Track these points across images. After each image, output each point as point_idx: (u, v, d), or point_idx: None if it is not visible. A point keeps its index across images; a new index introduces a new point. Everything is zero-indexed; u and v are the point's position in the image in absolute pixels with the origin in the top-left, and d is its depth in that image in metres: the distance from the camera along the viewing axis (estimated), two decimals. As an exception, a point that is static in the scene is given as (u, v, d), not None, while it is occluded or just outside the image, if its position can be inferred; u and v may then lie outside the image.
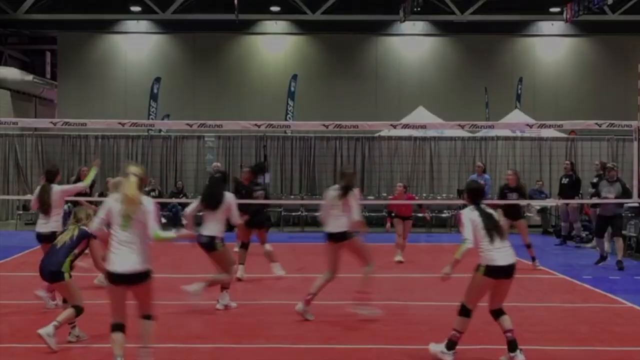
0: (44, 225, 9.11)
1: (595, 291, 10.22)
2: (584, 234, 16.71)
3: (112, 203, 6.29)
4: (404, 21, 26.74)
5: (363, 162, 20.82)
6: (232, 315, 8.97)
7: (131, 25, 28.47)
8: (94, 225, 6.48)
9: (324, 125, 12.96)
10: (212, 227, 9.44)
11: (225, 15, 26.52)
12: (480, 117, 24.36)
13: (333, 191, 9.01)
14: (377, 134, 21.18)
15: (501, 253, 6.71)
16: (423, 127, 15.34)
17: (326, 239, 8.96)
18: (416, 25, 28.39)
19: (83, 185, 9.95)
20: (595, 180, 15.98)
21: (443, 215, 20.04)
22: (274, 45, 28.61)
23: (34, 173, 20.66)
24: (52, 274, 7.57)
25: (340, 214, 8.83)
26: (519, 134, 20.76)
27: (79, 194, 11.78)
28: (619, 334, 7.74)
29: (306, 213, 20.52)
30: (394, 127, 13.95)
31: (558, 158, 20.11)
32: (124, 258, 6.13)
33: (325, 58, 28.48)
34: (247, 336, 7.87)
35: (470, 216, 6.85)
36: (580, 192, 16.97)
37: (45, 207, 9.10)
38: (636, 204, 13.44)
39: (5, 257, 13.58)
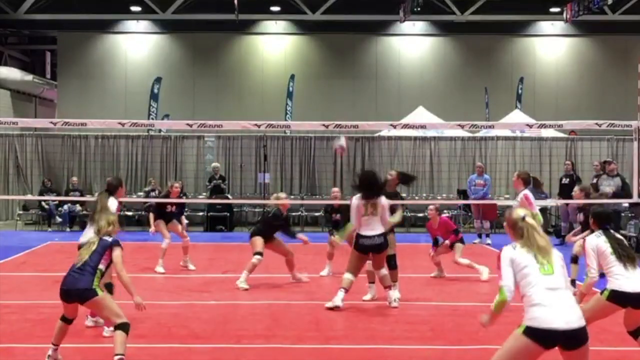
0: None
1: (596, 291, 10.20)
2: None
3: None
4: (404, 21, 26.74)
5: (363, 162, 20.81)
6: (232, 315, 8.97)
7: (131, 25, 28.47)
8: None
9: (324, 125, 12.94)
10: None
11: (225, 15, 26.52)
12: (480, 117, 24.36)
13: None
14: (377, 134, 21.18)
15: (631, 281, 6.23)
16: (423, 127, 15.33)
17: None
18: (416, 25, 28.39)
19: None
20: (594, 180, 16.01)
21: (443, 215, 19.99)
22: (274, 45, 28.61)
23: (34, 173, 20.67)
24: (81, 292, 6.56)
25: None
26: (519, 134, 20.76)
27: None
28: (619, 334, 7.73)
29: (306, 213, 20.52)
30: (394, 127, 13.93)
31: (558, 158, 20.11)
32: None
33: (325, 58, 28.48)
34: (247, 336, 7.87)
35: (596, 243, 6.43)
36: (580, 192, 16.93)
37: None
38: (635, 202, 13.40)
39: (5, 257, 13.58)
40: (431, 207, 11.95)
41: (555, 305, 4.74)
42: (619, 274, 6.25)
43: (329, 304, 9.15)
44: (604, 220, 6.67)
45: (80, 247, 8.22)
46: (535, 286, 4.84)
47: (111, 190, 8.86)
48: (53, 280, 11.30)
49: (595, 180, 15.84)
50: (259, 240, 10.92)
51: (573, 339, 4.76)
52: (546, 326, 4.68)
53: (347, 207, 10.23)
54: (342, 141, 11.79)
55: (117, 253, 6.79)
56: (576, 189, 12.96)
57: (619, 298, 6.23)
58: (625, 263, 6.27)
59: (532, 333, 4.73)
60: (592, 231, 6.87)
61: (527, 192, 9.80)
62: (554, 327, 4.67)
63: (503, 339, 7.96)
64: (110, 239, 6.87)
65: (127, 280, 6.76)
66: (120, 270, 6.76)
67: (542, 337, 4.70)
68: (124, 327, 6.51)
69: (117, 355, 6.36)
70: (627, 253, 6.35)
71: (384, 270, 9.39)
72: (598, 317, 6.40)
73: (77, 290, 6.55)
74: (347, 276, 9.30)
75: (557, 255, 5.09)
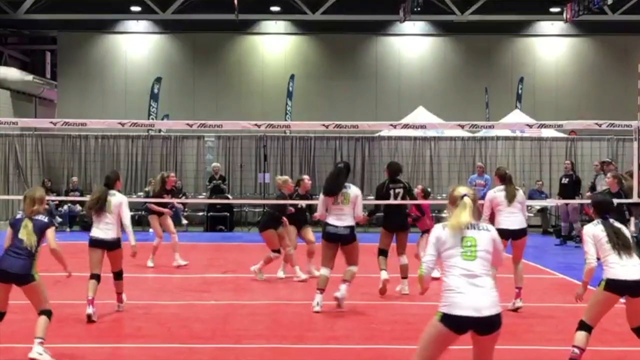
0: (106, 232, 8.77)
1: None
2: (584, 234, 16.69)
3: None
4: (404, 21, 26.73)
5: (363, 162, 20.82)
6: (232, 315, 8.97)
7: (131, 25, 28.46)
8: None
9: (324, 125, 12.96)
10: (349, 218, 9.27)
11: (225, 15, 26.51)
12: (480, 117, 24.34)
13: (499, 192, 9.44)
14: (377, 134, 21.18)
15: (627, 269, 6.31)
16: (423, 127, 15.34)
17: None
18: (416, 25, 28.38)
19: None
20: (594, 181, 16.05)
21: (443, 215, 20.01)
22: (274, 45, 28.60)
23: (34, 173, 20.66)
24: (20, 277, 6.93)
25: (516, 211, 9.30)
26: (519, 134, 20.75)
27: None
28: (619, 334, 7.74)
29: (306, 213, 20.50)
30: (394, 127, 13.95)
31: (558, 158, 20.11)
32: None
33: (325, 58, 28.47)
34: (247, 336, 7.87)
35: (593, 232, 6.51)
36: (580, 192, 16.98)
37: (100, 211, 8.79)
38: (636, 202, 13.40)
39: (5, 257, 13.55)
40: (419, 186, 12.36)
41: (469, 292, 4.86)
42: (614, 263, 6.34)
43: (317, 308, 9.02)
44: (603, 209, 6.71)
45: (94, 242, 8.77)
46: (453, 271, 4.96)
47: (109, 184, 9.01)
48: (53, 280, 11.30)
49: (595, 180, 15.88)
50: (272, 236, 11.31)
51: (484, 325, 4.90)
52: (457, 313, 4.83)
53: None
54: None
55: (52, 229, 7.28)
56: (609, 175, 13.06)
57: (615, 286, 6.31)
58: (620, 251, 6.35)
59: (446, 319, 4.89)
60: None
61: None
62: (465, 314, 4.82)
63: (503, 339, 7.96)
64: (46, 219, 7.26)
65: (60, 253, 7.29)
66: (56, 249, 7.31)
67: (454, 323, 4.86)
68: (49, 313, 6.94)
69: (38, 338, 6.76)
70: (622, 241, 6.41)
71: (354, 268, 9.33)
72: (601, 310, 6.48)
73: (16, 274, 6.89)
74: (324, 273, 9.27)
75: (485, 239, 5.07)
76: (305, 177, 12.68)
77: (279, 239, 11.46)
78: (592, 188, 15.40)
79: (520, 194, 9.51)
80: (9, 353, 7.09)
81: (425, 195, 11.99)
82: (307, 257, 11.91)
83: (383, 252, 10.36)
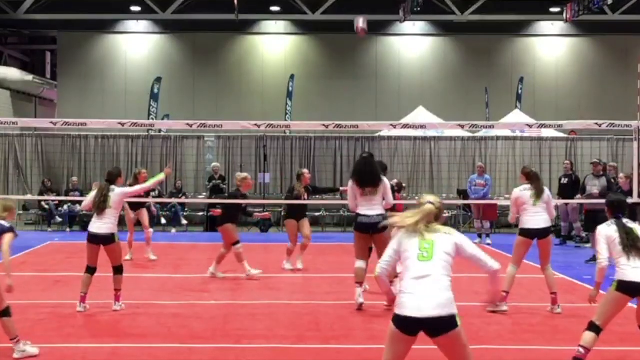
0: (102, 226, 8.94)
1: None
2: (584, 234, 16.72)
3: None
4: (404, 21, 26.73)
5: (363, 162, 20.79)
6: (232, 315, 8.97)
7: (131, 25, 28.45)
8: None
9: (324, 125, 12.96)
10: (379, 207, 9.26)
11: (225, 15, 26.50)
12: (480, 117, 24.35)
13: (525, 191, 9.36)
14: (377, 134, 21.18)
15: (637, 271, 6.35)
16: (423, 127, 15.35)
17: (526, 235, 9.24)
18: (416, 25, 28.38)
19: (147, 185, 10.03)
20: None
21: (443, 215, 20.01)
22: (274, 45, 28.60)
23: (34, 173, 20.66)
24: None
25: (541, 210, 9.27)
26: (519, 134, 20.76)
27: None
28: (619, 334, 7.74)
29: (305, 207, 20.49)
30: (394, 127, 13.96)
31: (558, 158, 20.11)
32: None
33: (325, 58, 28.47)
34: (247, 336, 7.87)
35: (606, 232, 6.56)
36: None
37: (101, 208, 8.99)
38: (636, 202, 13.42)
39: (5, 257, 13.56)
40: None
41: (418, 293, 4.83)
42: (625, 265, 6.38)
43: (360, 300, 9.13)
44: (617, 208, 6.76)
45: (90, 238, 8.92)
46: (408, 273, 4.95)
47: (111, 180, 9.21)
48: (53, 280, 11.31)
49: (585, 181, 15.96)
50: (231, 230, 11.47)
51: (430, 326, 4.82)
52: (404, 314, 4.83)
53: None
54: (362, 22, 11.94)
55: (9, 236, 7.23)
56: (622, 175, 13.03)
57: (626, 288, 6.36)
58: (630, 253, 6.38)
59: (395, 320, 4.90)
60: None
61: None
62: (409, 315, 4.81)
63: (503, 339, 7.99)
64: (7, 224, 7.27)
65: (8, 261, 7.15)
66: (6, 252, 7.17)
67: (402, 324, 4.86)
68: (6, 311, 7.11)
69: (11, 337, 6.93)
70: (633, 243, 6.43)
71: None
72: (613, 310, 6.49)
73: None
74: (359, 265, 9.25)
75: (445, 242, 5.10)
76: (305, 170, 12.97)
77: (294, 230, 12.26)
78: (582, 189, 15.46)
79: (546, 193, 9.42)
80: (10, 353, 7.08)
81: (399, 189, 12.05)
82: (300, 250, 12.37)
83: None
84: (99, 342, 7.58)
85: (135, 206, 13.45)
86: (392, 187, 11.02)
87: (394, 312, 4.91)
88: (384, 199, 9.43)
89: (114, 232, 8.89)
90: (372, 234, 9.24)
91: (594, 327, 6.49)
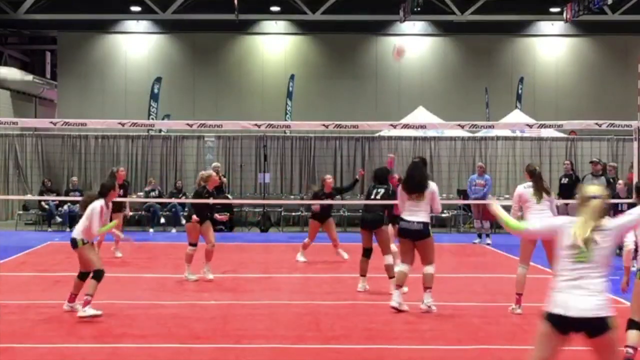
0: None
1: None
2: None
3: None
4: (404, 21, 26.73)
5: (363, 162, 20.80)
6: (232, 315, 8.97)
7: (131, 25, 28.45)
8: None
9: (324, 125, 12.98)
10: (423, 214, 9.14)
11: (225, 15, 26.51)
12: (481, 117, 24.34)
13: (528, 188, 9.30)
14: (377, 134, 21.18)
15: None
16: (423, 127, 15.37)
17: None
18: (416, 25, 28.38)
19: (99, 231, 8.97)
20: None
21: (443, 215, 20.02)
22: (274, 45, 28.60)
23: (34, 173, 20.66)
24: None
25: (545, 208, 9.21)
26: (519, 134, 20.75)
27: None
28: (619, 334, 7.73)
29: (306, 213, 20.51)
30: (394, 127, 13.98)
31: (558, 158, 20.10)
32: None
33: (325, 58, 28.47)
34: (247, 336, 7.87)
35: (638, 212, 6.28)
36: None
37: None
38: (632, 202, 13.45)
39: (5, 257, 13.57)
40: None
41: (575, 292, 4.76)
42: None
43: (394, 304, 9.04)
44: None
45: (72, 243, 8.78)
46: (565, 273, 4.81)
47: (103, 192, 9.02)
48: (53, 280, 11.31)
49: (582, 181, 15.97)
50: (193, 229, 11.30)
51: (587, 326, 4.74)
52: (554, 311, 4.81)
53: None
54: (400, 45, 11.74)
55: None
56: (620, 182, 13.07)
57: None
58: None
59: (551, 318, 4.85)
60: None
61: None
62: (565, 314, 4.76)
63: (503, 339, 7.99)
64: None
65: None
66: None
67: (557, 322, 4.82)
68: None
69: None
70: None
71: (429, 268, 9.09)
72: None
73: None
74: (401, 268, 9.19)
75: (606, 238, 4.84)
76: (328, 176, 13.68)
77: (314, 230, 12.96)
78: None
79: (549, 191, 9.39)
80: (9, 353, 7.08)
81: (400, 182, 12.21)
82: (333, 247, 13.22)
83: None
84: (99, 342, 7.58)
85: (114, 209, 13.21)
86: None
87: (547, 311, 4.81)
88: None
89: (78, 237, 8.76)
90: (414, 241, 9.14)
91: (634, 325, 6.36)
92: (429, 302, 9.02)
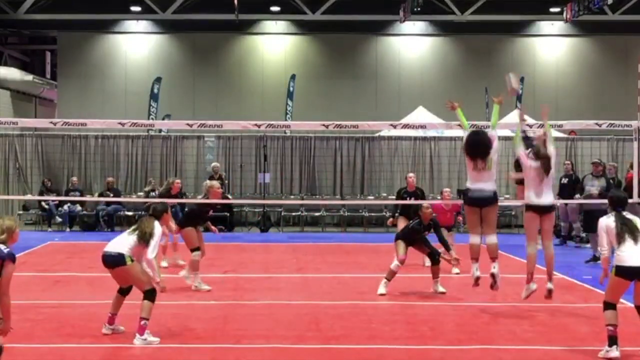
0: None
1: (595, 291, 10.22)
2: (583, 234, 16.72)
3: None
4: (404, 21, 26.72)
5: (363, 162, 20.82)
6: (232, 315, 8.97)
7: (131, 25, 28.44)
8: None
9: (324, 125, 12.97)
10: (490, 182, 9.27)
11: (225, 15, 26.50)
12: (481, 117, 24.32)
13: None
14: (377, 134, 21.18)
15: (634, 255, 6.96)
16: (423, 127, 15.36)
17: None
18: (416, 25, 28.37)
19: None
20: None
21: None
22: (274, 45, 28.59)
23: (34, 173, 20.66)
24: None
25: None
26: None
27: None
28: (619, 334, 7.74)
29: (306, 213, 20.53)
30: (394, 127, 13.98)
31: (558, 158, 20.06)
32: None
33: (325, 58, 28.46)
34: (247, 336, 7.87)
35: (605, 223, 7.18)
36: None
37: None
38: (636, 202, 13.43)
39: (5, 257, 13.55)
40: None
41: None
42: (622, 251, 6.98)
43: (477, 274, 9.15)
44: (616, 203, 7.34)
45: (104, 259, 7.79)
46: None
47: (157, 215, 8.09)
48: (53, 280, 11.32)
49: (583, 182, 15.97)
50: (191, 234, 10.70)
51: None
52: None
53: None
54: (514, 81, 11.72)
55: (9, 269, 6.12)
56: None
57: (623, 272, 6.96)
58: (625, 239, 7.00)
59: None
60: None
61: None
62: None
63: (503, 339, 8.00)
64: (5, 249, 6.17)
65: (7, 305, 6.16)
66: (6, 292, 6.18)
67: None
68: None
69: None
70: (629, 230, 7.04)
71: (493, 238, 9.23)
72: (616, 293, 7.09)
73: None
74: (473, 240, 9.25)
75: None
76: (410, 174, 13.57)
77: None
78: (581, 189, 15.48)
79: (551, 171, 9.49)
80: (9, 353, 7.08)
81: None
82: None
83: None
84: (99, 342, 7.58)
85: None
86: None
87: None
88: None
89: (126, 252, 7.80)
90: (481, 207, 9.22)
91: (609, 305, 7.06)
92: (496, 271, 9.13)
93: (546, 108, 10.33)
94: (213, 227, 11.96)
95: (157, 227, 7.87)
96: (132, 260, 7.69)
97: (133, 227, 7.95)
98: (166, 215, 8.26)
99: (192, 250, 10.56)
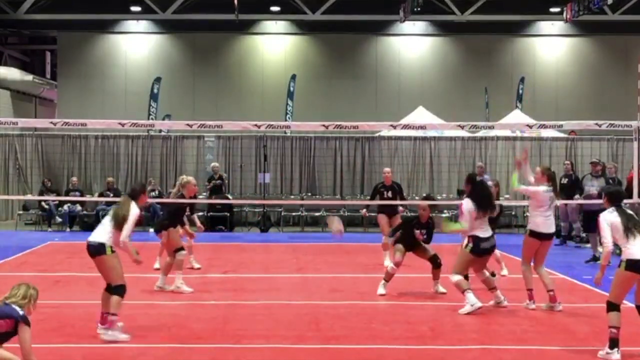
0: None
1: (595, 291, 10.22)
2: (583, 234, 16.71)
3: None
4: (404, 21, 26.74)
5: (363, 162, 20.81)
6: (232, 315, 8.97)
7: (131, 25, 28.45)
8: None
9: (324, 125, 12.97)
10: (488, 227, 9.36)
11: (225, 15, 26.51)
12: (481, 117, 24.35)
13: (548, 193, 9.41)
14: (377, 134, 21.18)
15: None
16: (423, 127, 15.34)
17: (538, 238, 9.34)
18: (416, 25, 28.38)
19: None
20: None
21: (443, 215, 20.00)
22: (274, 45, 28.61)
23: (34, 173, 20.65)
24: None
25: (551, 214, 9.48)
26: (519, 134, 20.74)
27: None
28: (621, 334, 7.74)
29: (306, 213, 20.51)
30: (394, 127, 13.97)
31: (558, 158, 20.08)
32: None
33: (325, 58, 28.47)
34: (247, 336, 7.87)
35: (609, 218, 7.20)
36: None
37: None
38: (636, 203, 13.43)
39: (5, 257, 13.57)
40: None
41: None
42: (630, 245, 7.01)
43: (466, 310, 9.00)
44: (615, 198, 7.38)
45: (87, 248, 7.79)
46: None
47: (134, 196, 8.15)
48: (53, 280, 11.32)
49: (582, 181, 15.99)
50: (173, 235, 10.63)
51: None
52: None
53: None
54: (337, 225, 11.59)
55: (26, 335, 6.06)
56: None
57: (634, 266, 6.96)
58: (634, 234, 7.04)
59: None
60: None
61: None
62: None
63: (503, 339, 7.99)
64: (21, 311, 6.07)
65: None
66: (29, 354, 6.08)
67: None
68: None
69: None
70: (635, 224, 7.10)
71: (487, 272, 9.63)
72: (624, 288, 7.09)
73: None
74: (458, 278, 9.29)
75: None
76: (386, 169, 13.49)
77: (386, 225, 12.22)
78: (580, 189, 15.49)
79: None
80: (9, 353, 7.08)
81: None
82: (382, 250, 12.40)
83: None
84: (99, 342, 7.58)
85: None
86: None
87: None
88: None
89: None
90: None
91: (613, 306, 7.05)
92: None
93: (525, 153, 10.41)
94: (199, 224, 12.18)
95: (133, 208, 7.89)
96: (112, 252, 7.73)
97: (111, 211, 8.03)
98: (143, 196, 8.25)
99: (177, 251, 10.54)
